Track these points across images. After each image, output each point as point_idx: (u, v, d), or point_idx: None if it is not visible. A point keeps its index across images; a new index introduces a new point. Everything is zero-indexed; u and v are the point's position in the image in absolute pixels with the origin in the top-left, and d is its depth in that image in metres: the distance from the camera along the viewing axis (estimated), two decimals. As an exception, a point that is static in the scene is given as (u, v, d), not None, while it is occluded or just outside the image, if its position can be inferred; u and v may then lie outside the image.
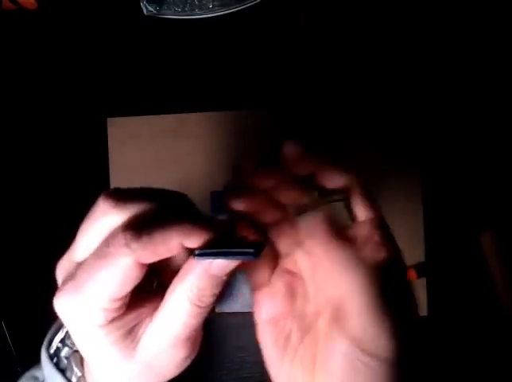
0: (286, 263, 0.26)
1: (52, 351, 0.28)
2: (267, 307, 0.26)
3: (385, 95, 0.44)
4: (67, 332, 0.27)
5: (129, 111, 0.46)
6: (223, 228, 0.23)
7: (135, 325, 0.23)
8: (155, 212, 0.22)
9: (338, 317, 0.23)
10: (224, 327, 0.45)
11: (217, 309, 0.44)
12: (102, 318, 0.22)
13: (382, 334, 0.22)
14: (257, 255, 0.22)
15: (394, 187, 0.43)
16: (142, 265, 0.21)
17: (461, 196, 0.43)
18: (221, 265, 0.22)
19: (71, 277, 0.22)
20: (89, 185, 0.47)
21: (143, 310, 0.24)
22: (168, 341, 0.23)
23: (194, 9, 0.44)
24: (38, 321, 0.47)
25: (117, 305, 0.22)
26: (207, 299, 0.23)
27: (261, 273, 0.26)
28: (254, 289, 0.26)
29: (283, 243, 0.25)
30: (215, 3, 0.44)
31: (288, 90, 0.46)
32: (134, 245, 0.21)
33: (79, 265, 0.22)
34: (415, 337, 0.23)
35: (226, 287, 0.46)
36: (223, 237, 0.23)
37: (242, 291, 0.44)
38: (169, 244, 0.21)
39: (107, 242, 0.21)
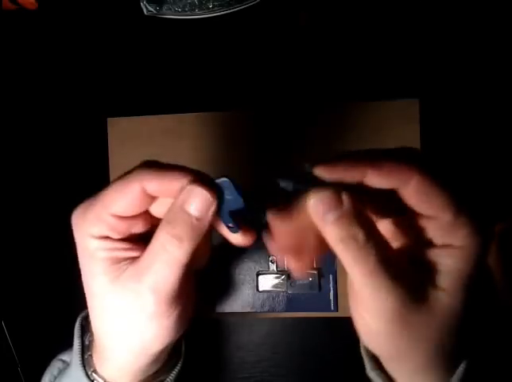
0: None
1: (84, 314, 0.30)
2: None
3: (385, 94, 0.44)
4: None
5: (129, 111, 0.46)
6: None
7: (125, 260, 0.25)
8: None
9: None
10: (224, 327, 0.45)
11: (217, 310, 0.44)
12: (99, 229, 0.25)
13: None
14: (232, 180, 0.24)
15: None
16: (147, 195, 0.25)
17: (462, 196, 0.43)
18: (197, 198, 0.23)
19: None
20: (89, 185, 0.47)
21: (137, 253, 0.25)
22: (134, 277, 0.24)
23: (194, 9, 0.44)
24: (38, 321, 0.47)
25: (117, 223, 0.25)
26: (174, 243, 0.23)
27: None
28: None
29: None
30: (215, 3, 0.44)
31: (289, 90, 0.46)
32: (145, 171, 0.25)
33: None
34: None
35: (226, 287, 0.47)
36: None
37: (242, 291, 0.44)
38: (174, 179, 0.24)
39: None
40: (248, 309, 0.44)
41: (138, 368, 0.27)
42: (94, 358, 0.28)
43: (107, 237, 0.25)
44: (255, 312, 0.44)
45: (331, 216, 0.22)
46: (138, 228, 0.26)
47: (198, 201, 0.23)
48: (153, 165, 0.25)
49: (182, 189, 0.24)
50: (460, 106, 0.44)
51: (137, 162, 0.46)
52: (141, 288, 0.24)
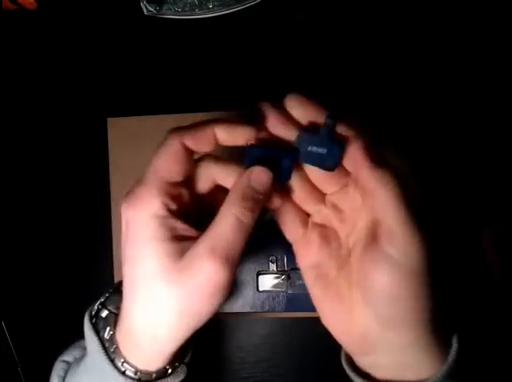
0: (315, 219, 0.29)
1: (93, 313, 0.30)
2: (306, 256, 0.29)
3: (386, 94, 0.44)
4: (107, 297, 0.30)
5: (129, 111, 0.46)
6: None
7: (185, 239, 0.27)
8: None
9: (372, 240, 0.26)
10: (224, 327, 0.45)
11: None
12: (157, 204, 0.26)
13: (414, 246, 0.25)
14: (296, 154, 0.26)
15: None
16: (188, 151, 0.27)
17: (462, 195, 0.43)
18: (259, 175, 0.27)
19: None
20: (89, 185, 0.47)
21: (194, 233, 0.27)
22: (208, 252, 0.25)
23: (194, 9, 0.44)
24: (38, 321, 0.47)
25: (172, 191, 0.27)
26: (248, 214, 0.26)
27: (296, 228, 0.29)
28: (292, 242, 0.30)
29: (309, 202, 0.29)
30: (215, 3, 0.44)
31: (289, 90, 0.46)
32: (177, 131, 0.27)
33: None
34: (441, 247, 0.27)
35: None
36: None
37: (242, 291, 0.44)
38: (206, 131, 0.27)
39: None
40: (248, 309, 0.44)
41: (174, 349, 0.28)
42: (121, 350, 0.28)
43: (168, 212, 0.26)
44: (255, 312, 0.44)
45: (366, 162, 0.25)
46: (187, 197, 0.28)
47: (263, 179, 0.27)
48: (180, 127, 0.28)
49: (247, 170, 0.27)
50: (460, 105, 0.44)
51: (137, 162, 0.46)
52: (210, 262, 0.25)
